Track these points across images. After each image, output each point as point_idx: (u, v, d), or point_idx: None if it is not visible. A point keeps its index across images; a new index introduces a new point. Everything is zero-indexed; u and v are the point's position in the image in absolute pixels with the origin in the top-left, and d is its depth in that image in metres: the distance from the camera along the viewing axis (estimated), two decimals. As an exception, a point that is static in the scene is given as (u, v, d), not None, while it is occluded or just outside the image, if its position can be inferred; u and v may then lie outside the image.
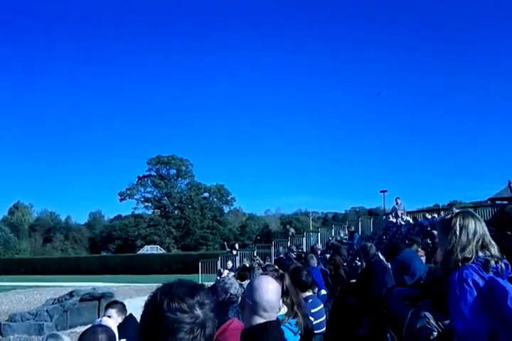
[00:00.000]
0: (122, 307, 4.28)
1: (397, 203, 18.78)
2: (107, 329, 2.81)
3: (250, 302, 2.06)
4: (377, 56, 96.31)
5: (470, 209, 2.76)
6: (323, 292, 6.20)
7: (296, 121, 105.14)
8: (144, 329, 1.32)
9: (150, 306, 1.33)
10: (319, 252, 12.32)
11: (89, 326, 3.36)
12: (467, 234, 2.38)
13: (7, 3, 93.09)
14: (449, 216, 2.60)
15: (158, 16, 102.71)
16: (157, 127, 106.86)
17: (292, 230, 25.08)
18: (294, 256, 14.56)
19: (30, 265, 48.49)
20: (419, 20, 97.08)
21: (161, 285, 1.38)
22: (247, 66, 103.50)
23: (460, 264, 2.31)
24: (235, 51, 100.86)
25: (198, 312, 1.30)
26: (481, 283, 2.21)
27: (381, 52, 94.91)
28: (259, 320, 2.02)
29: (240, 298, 2.18)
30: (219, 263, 22.50)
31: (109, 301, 13.90)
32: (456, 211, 2.64)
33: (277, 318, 2.12)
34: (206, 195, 76.13)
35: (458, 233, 2.39)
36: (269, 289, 2.13)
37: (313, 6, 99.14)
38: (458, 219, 2.43)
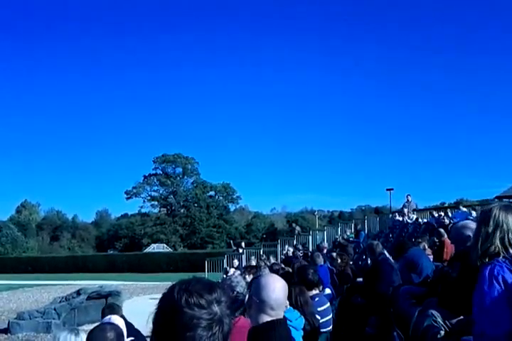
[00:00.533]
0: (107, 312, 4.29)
1: (407, 200, 18.67)
2: (116, 327, 2.82)
3: (257, 301, 2.06)
4: (384, 53, 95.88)
5: (510, 203, 2.56)
6: (328, 291, 6.19)
7: (302, 119, 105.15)
8: (159, 325, 1.30)
9: (166, 302, 1.30)
10: (325, 251, 12.30)
11: (96, 324, 3.36)
12: (495, 226, 2.30)
13: (7, 3, 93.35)
14: (486, 209, 2.50)
15: (165, 15, 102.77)
16: (163, 125, 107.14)
17: (298, 228, 25.05)
18: (301, 254, 14.55)
19: (37, 263, 48.72)
20: (418, 20, 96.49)
21: (173, 282, 1.36)
22: (253, 64, 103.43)
23: (489, 259, 2.24)
24: (240, 49, 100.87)
25: (216, 308, 1.29)
26: (510, 280, 2.16)
27: (389, 50, 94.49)
28: (266, 318, 2.02)
29: (246, 296, 2.18)
30: (225, 261, 22.56)
31: (116, 299, 14.03)
32: (494, 204, 2.52)
33: (284, 316, 2.12)
34: (212, 193, 76.26)
35: (485, 225, 2.32)
36: (276, 287, 2.13)
37: (313, 4, 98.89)
38: (493, 212, 2.35)
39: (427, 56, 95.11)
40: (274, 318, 2.03)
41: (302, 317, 2.98)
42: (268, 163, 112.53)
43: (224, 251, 33.51)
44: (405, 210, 18.10)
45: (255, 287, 2.14)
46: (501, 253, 2.24)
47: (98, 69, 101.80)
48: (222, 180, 76.62)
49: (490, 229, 2.30)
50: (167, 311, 1.28)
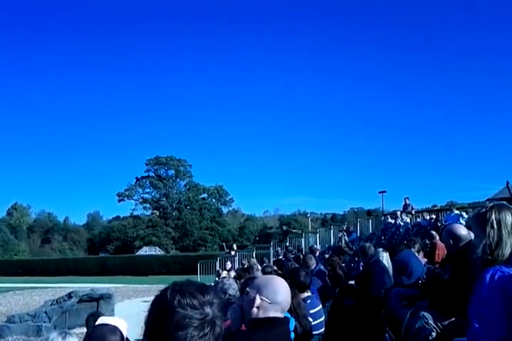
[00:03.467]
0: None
1: (405, 203, 18.95)
2: (118, 329, 2.81)
3: (270, 302, 2.05)
4: (375, 55, 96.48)
5: (504, 202, 2.44)
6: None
7: (295, 121, 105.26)
8: (152, 325, 1.32)
9: (159, 302, 1.33)
10: (317, 253, 12.31)
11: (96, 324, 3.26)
12: (505, 228, 2.22)
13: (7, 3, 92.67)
14: (483, 209, 2.37)
15: (155, 15, 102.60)
16: (156, 127, 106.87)
17: (286, 227, 24.94)
18: (292, 256, 14.54)
19: (28, 266, 48.33)
20: (418, 19, 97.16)
21: (166, 285, 1.38)
22: (245, 65, 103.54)
23: (493, 263, 2.17)
24: (233, 50, 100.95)
25: (208, 310, 1.32)
26: (510, 288, 2.09)
27: (378, 50, 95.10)
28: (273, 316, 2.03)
29: (242, 297, 2.15)
30: (218, 264, 22.50)
31: (108, 302, 13.88)
32: (490, 204, 2.40)
33: (286, 316, 2.11)
34: (205, 195, 76.14)
35: (496, 227, 2.22)
36: (287, 289, 2.16)
37: (315, 4, 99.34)
38: (494, 212, 2.27)
39: (420, 56, 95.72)
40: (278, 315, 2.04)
41: (293, 318, 2.98)
42: (261, 165, 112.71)
43: (216, 253, 33.42)
44: (398, 212, 18.19)
45: (266, 288, 2.09)
46: (509, 261, 2.17)
47: (90, 70, 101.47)
48: (215, 182, 76.62)
49: (499, 234, 2.21)
50: (160, 311, 1.31)
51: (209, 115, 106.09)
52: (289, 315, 2.85)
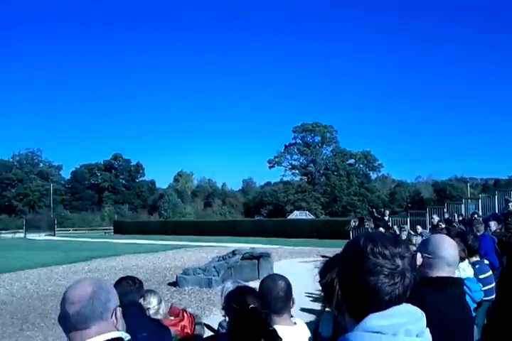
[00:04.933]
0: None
1: None
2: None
3: (431, 257, 2.07)
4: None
5: None
6: (485, 262, 5.83)
7: (448, 83, 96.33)
8: (345, 267, 1.40)
9: (351, 249, 1.40)
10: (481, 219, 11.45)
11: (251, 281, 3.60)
12: None
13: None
14: None
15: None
16: (302, 94, 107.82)
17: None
18: (443, 226, 13.66)
19: (194, 227, 53.79)
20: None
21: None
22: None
23: None
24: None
25: (399, 262, 1.35)
26: None
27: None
28: (442, 274, 2.03)
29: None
30: (369, 230, 22.34)
31: (267, 260, 14.76)
32: None
33: (460, 277, 2.11)
34: (352, 161, 75.23)
35: None
36: (451, 244, 2.13)
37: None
38: None
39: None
40: (449, 275, 2.04)
41: (483, 292, 2.88)
42: (410, 129, 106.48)
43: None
44: None
45: (427, 244, 2.15)
46: None
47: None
48: (362, 147, 75.06)
49: None
50: (353, 255, 1.38)
51: (355, 80, 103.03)
52: (480, 287, 2.76)
